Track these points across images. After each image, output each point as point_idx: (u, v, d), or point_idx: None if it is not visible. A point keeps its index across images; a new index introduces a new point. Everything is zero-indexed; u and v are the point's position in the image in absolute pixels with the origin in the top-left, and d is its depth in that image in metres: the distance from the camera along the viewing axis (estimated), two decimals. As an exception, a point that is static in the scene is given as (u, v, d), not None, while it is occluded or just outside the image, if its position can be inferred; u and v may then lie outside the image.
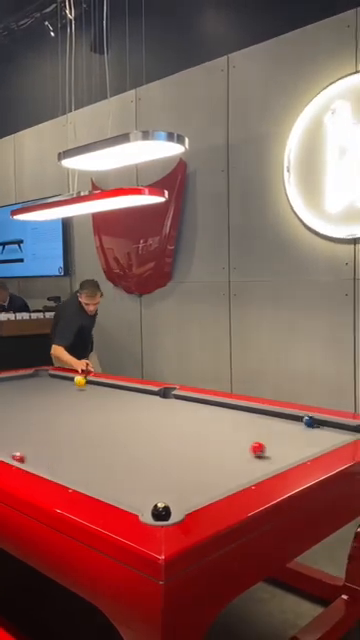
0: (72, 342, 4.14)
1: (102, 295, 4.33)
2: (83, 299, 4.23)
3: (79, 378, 3.41)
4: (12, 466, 1.85)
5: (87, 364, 3.89)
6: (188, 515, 1.43)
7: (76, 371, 3.71)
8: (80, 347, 4.25)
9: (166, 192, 3.20)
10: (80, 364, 3.89)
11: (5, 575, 2.35)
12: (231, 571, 1.44)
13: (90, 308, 4.27)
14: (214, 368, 4.62)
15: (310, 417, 2.38)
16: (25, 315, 5.44)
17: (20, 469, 1.82)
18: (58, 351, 4.10)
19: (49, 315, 5.27)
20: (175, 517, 1.41)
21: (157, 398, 3.03)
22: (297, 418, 2.43)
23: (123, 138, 2.62)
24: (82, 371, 3.76)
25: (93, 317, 4.45)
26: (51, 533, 1.51)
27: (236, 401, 2.79)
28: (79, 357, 4.07)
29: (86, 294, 4.22)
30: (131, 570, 1.29)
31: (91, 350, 4.62)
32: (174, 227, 4.77)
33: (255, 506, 1.52)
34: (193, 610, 1.34)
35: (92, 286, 4.26)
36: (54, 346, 4.14)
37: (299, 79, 3.98)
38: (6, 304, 5.69)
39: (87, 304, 4.23)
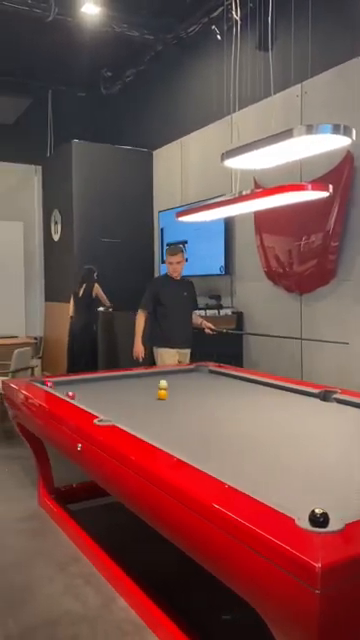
0: (153, 311, 4.48)
1: (185, 259, 4.60)
2: (167, 259, 4.59)
3: (162, 391, 2.95)
4: (172, 457, 1.92)
5: (139, 357, 4.37)
6: (349, 524, 1.36)
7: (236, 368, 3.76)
8: (172, 321, 4.49)
9: (330, 187, 3.08)
10: (136, 351, 4.37)
11: (162, 561, 2.46)
12: None
13: (174, 268, 4.54)
14: (380, 372, 4.33)
15: None
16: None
17: (179, 460, 1.88)
18: (137, 317, 4.52)
19: (210, 313, 5.43)
20: (334, 525, 1.35)
21: (317, 401, 2.93)
22: None
23: (286, 134, 2.57)
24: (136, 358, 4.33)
25: (181, 286, 4.61)
26: (206, 525, 1.54)
27: None
28: (176, 336, 4.46)
29: (169, 252, 4.61)
30: (286, 574, 1.27)
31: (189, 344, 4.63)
32: (339, 222, 4.57)
33: None
34: (353, 626, 1.27)
35: (175, 247, 4.71)
36: (138, 312, 4.53)
37: None
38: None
39: (170, 263, 4.55)
